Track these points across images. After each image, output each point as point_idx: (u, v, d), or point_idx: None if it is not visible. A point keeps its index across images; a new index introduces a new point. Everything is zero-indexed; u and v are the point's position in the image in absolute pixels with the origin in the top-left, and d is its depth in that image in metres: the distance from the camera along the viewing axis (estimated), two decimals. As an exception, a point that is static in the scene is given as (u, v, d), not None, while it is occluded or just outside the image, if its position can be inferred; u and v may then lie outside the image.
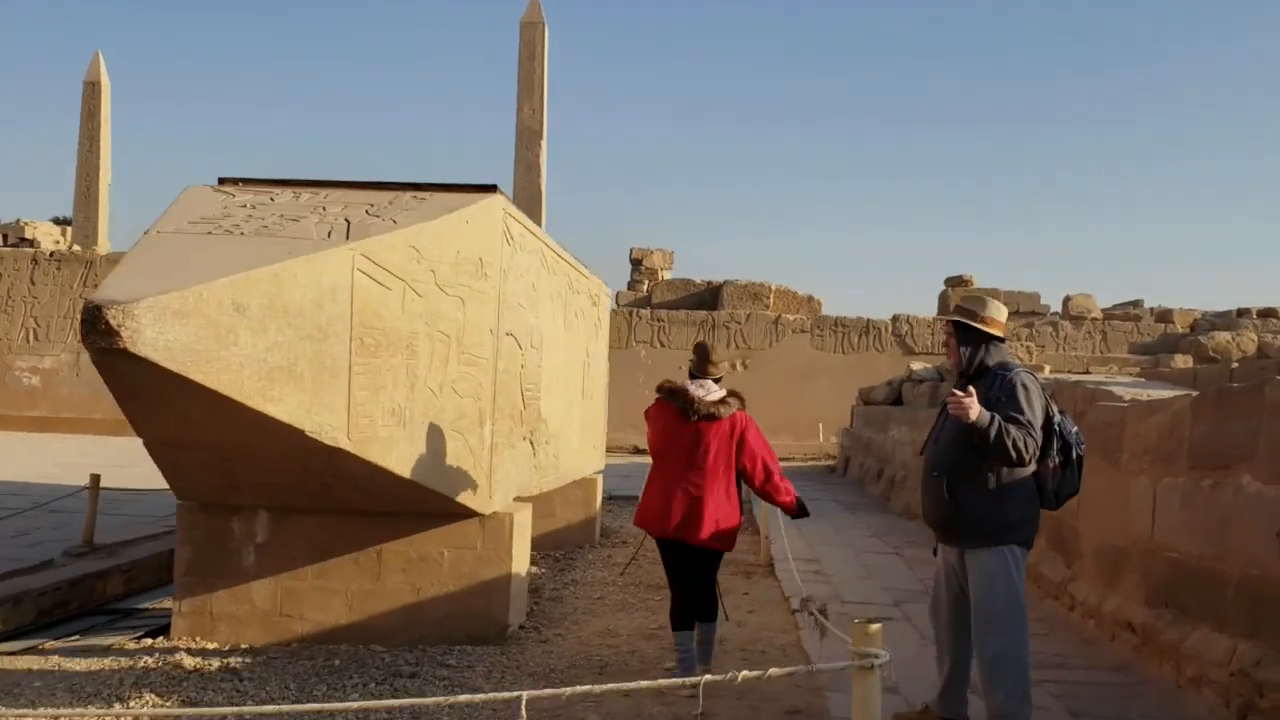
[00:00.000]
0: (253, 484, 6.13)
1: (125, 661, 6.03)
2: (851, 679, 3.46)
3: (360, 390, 5.27)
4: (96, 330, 4.08)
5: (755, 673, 3.29)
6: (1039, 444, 4.59)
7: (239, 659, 6.09)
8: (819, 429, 23.84)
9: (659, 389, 6.17)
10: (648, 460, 6.17)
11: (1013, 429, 4.53)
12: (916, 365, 16.26)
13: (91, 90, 30.73)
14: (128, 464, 12.93)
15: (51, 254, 26.14)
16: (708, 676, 3.37)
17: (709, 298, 26.94)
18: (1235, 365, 13.11)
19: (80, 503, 9.35)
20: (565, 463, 9.52)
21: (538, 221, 35.52)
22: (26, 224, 36.03)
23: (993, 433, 4.48)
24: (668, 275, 31.03)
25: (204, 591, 6.79)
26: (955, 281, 25.90)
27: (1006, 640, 4.62)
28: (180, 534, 6.84)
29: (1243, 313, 24.97)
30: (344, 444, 5.18)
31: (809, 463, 22.46)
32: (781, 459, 6.50)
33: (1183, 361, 15.90)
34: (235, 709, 4.46)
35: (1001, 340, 4.85)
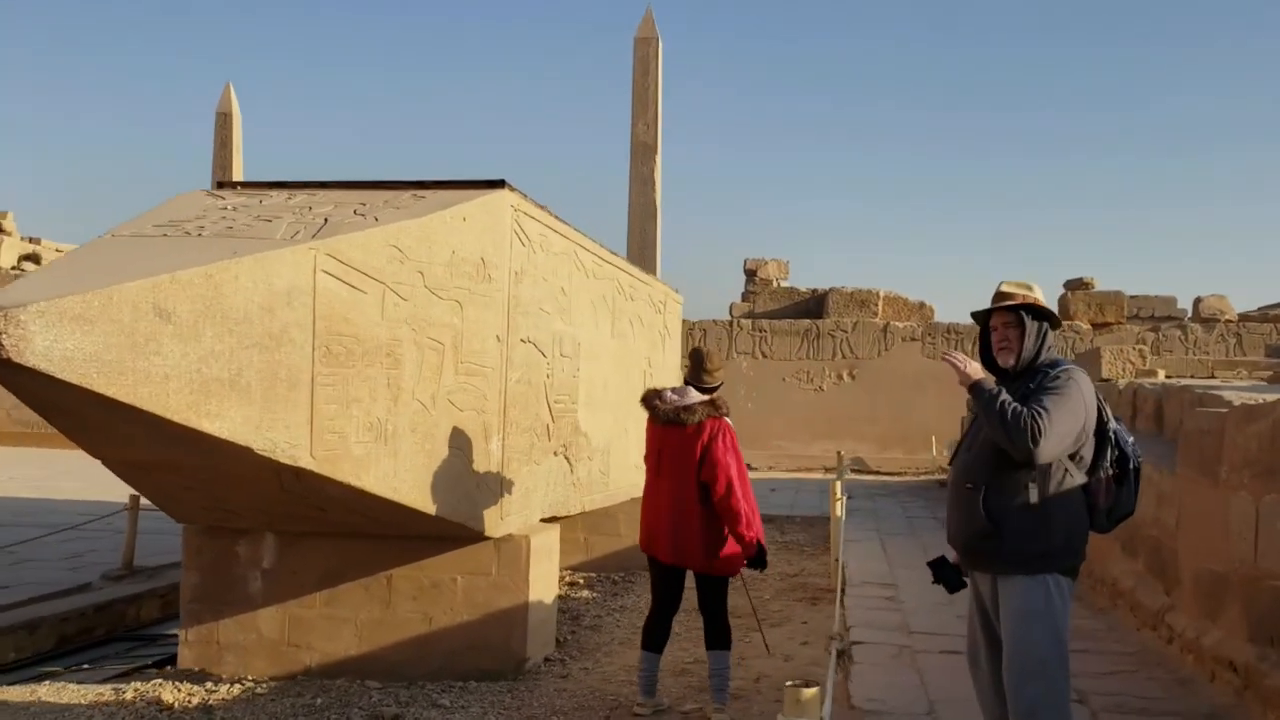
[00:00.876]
0: (244, 507, 5.72)
1: (110, 695, 5.67)
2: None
3: (326, 403, 4.79)
4: (-14, 340, 3.67)
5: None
6: (1046, 433, 3.81)
7: (221, 695, 5.68)
8: (931, 442, 22.74)
9: (643, 396, 5.73)
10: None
11: (1017, 405, 3.85)
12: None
13: (224, 120, 31.76)
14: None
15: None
16: None
17: (814, 306, 26.05)
18: (1380, 366, 11.81)
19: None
20: (620, 478, 8.94)
21: (651, 235, 35.47)
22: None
23: (990, 400, 3.86)
24: (784, 285, 30.28)
25: (210, 619, 6.43)
26: (1075, 284, 24.47)
27: (1043, 687, 3.85)
28: (185, 559, 6.49)
29: (1398, 311, 23.01)
30: (305, 462, 4.70)
31: (921, 477, 21.42)
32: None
33: (1325, 364, 14.48)
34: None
35: (1055, 326, 4.14)
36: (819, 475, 22.22)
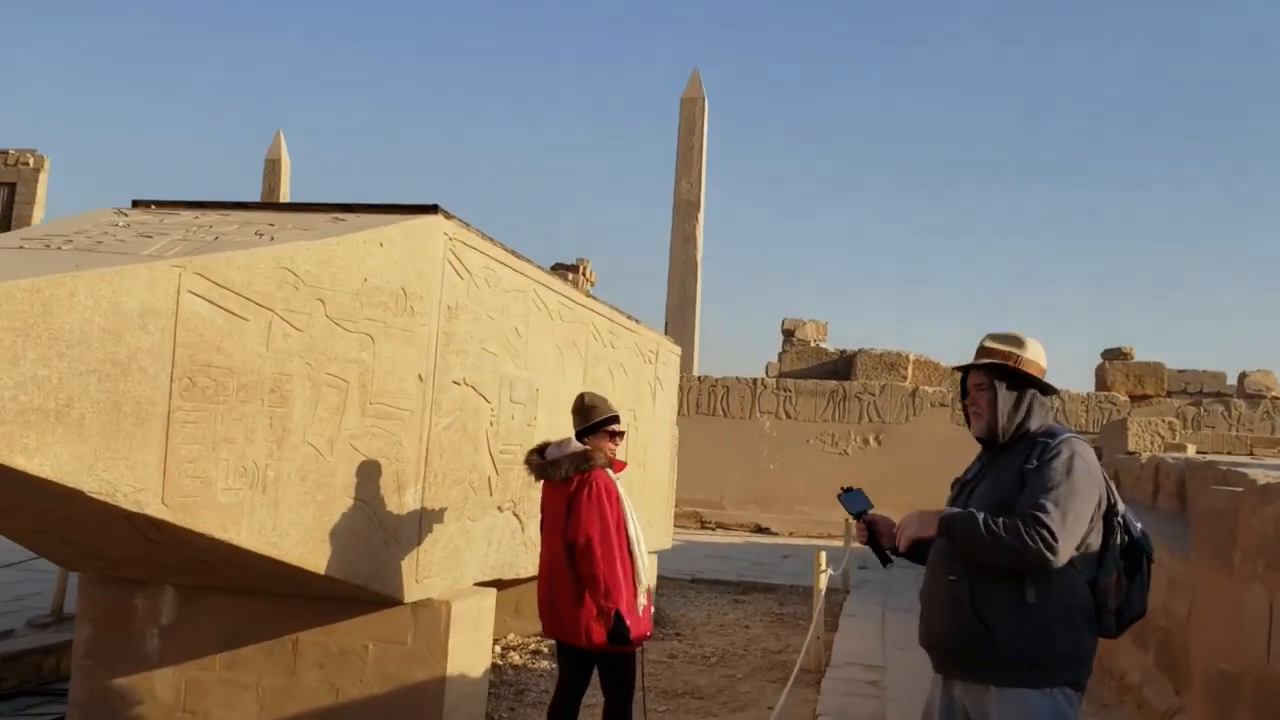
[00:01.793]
0: (121, 558, 5.12)
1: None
2: None
3: (186, 443, 4.18)
4: None
5: None
6: (1058, 535, 3.13)
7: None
8: (958, 511, 21.83)
9: None
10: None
11: (1006, 518, 3.17)
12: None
13: (272, 167, 32.10)
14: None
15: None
16: None
17: (841, 368, 25.31)
18: None
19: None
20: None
21: (691, 292, 35.08)
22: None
23: (973, 527, 3.19)
24: (814, 345, 29.61)
25: (104, 678, 5.82)
26: (1113, 354, 23.54)
27: None
28: (79, 611, 5.90)
29: None
30: (154, 510, 4.08)
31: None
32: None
33: (1376, 444, 13.54)
34: None
35: (1046, 392, 3.52)
36: (842, 542, 21.36)
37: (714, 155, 41.49)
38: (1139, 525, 3.44)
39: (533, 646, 8.85)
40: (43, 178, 32.16)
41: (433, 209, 5.53)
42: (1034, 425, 3.44)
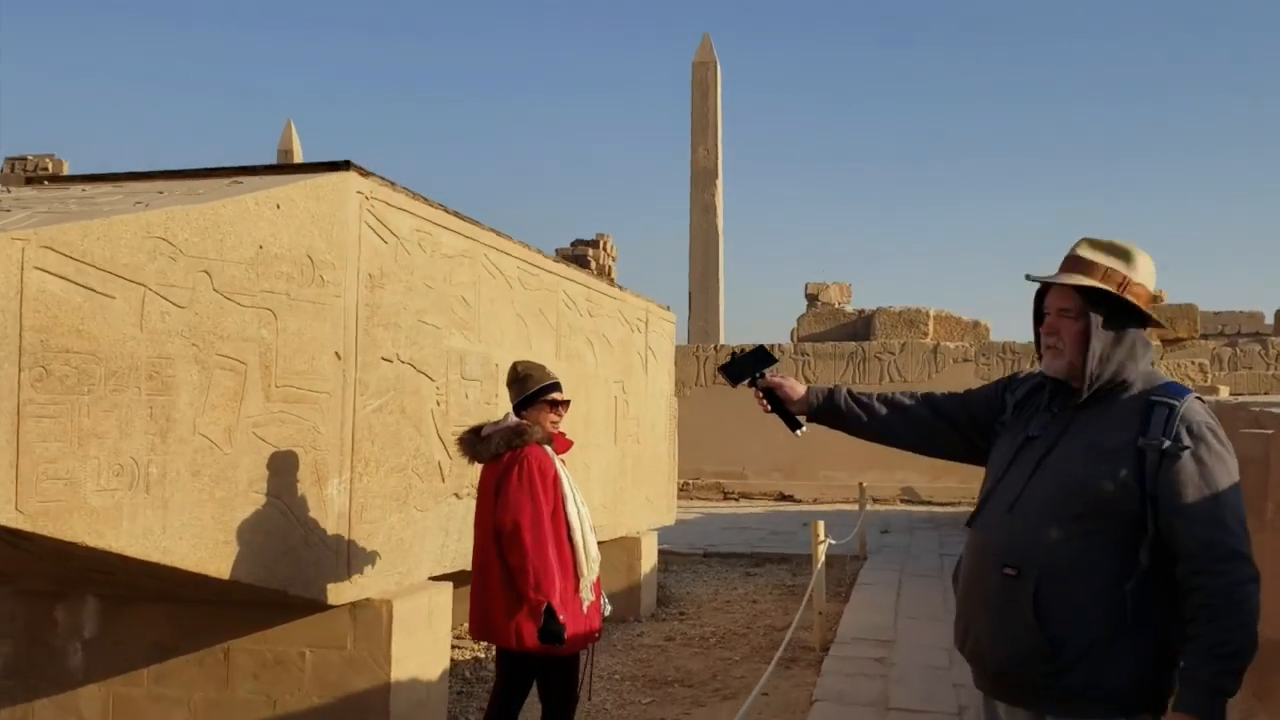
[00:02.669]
0: (13, 572, 4.63)
1: None
2: None
3: (43, 440, 3.65)
4: None
5: None
6: (1253, 568, 2.37)
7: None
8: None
9: None
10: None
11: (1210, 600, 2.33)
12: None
13: (284, 158, 31.91)
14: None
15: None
16: None
17: (861, 328, 24.64)
18: None
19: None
20: (569, 522, 7.71)
21: (714, 262, 34.42)
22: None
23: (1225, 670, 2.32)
24: (847, 309, 28.96)
25: (24, 698, 5.35)
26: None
27: None
28: (-3, 627, 5.42)
29: None
30: (10, 519, 3.56)
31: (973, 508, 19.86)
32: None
33: None
34: None
35: (1146, 325, 2.61)
36: (868, 507, 20.77)
37: (731, 121, 40.64)
38: None
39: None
40: (61, 182, 32.00)
41: (344, 165, 4.97)
42: (1133, 375, 2.56)
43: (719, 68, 35.29)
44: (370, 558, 5.13)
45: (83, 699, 5.30)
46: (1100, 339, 2.52)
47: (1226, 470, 2.41)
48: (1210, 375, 11.29)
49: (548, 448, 4.47)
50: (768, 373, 3.27)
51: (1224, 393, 10.29)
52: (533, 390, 4.57)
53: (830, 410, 3.16)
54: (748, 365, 3.31)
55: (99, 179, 5.12)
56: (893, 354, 22.61)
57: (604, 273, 31.26)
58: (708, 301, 34.30)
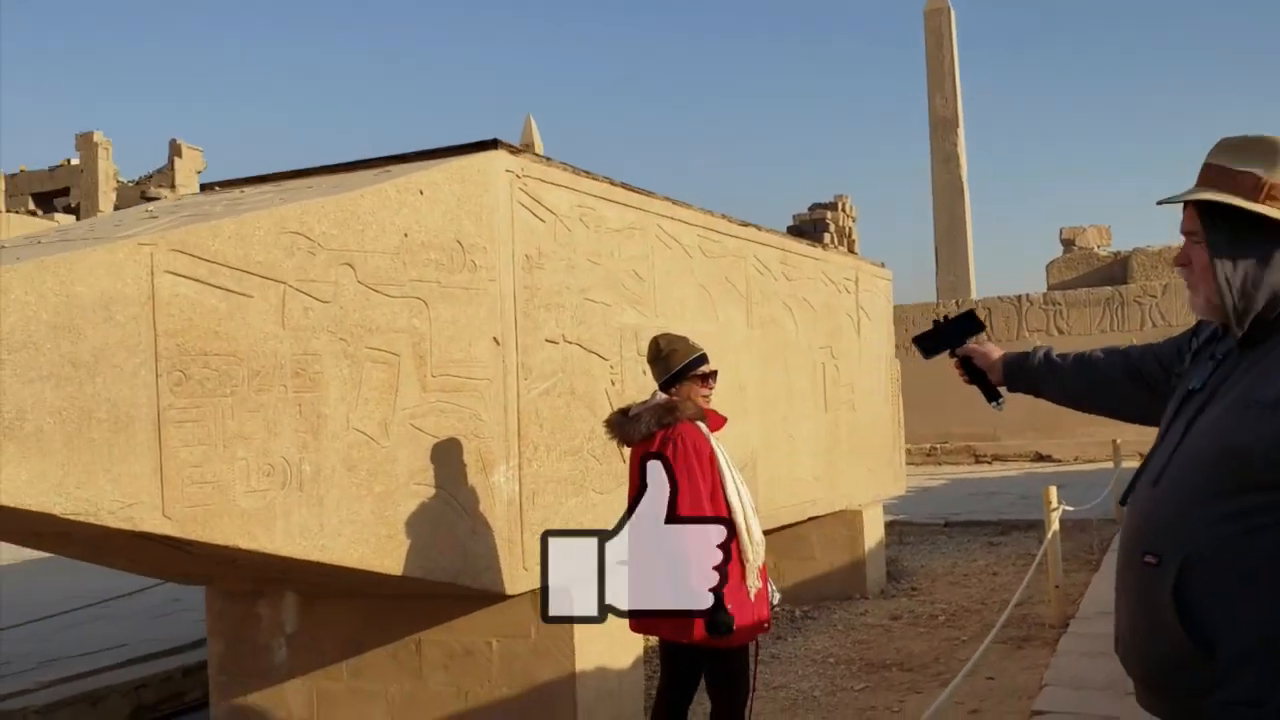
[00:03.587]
0: (196, 573, 4.73)
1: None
2: None
3: (187, 445, 3.65)
4: None
5: None
6: None
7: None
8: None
9: None
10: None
11: None
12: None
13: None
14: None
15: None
16: None
17: (1117, 271, 22.97)
18: None
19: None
20: (777, 497, 7.39)
21: (959, 214, 33.08)
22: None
23: None
24: (1101, 253, 27.24)
25: (239, 694, 5.52)
26: None
27: None
28: (209, 624, 5.62)
29: None
30: (154, 525, 3.58)
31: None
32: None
33: None
34: None
35: None
36: (1133, 464, 19.37)
37: (967, 67, 38.94)
38: None
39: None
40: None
41: (491, 145, 4.81)
42: None
43: (953, 13, 33.82)
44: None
45: (288, 693, 5.41)
46: (1231, 263, 1.96)
47: None
48: None
49: (701, 424, 4.15)
50: (971, 341, 2.88)
51: None
52: (679, 366, 4.25)
53: (1023, 374, 2.77)
54: (952, 333, 2.93)
55: (262, 180, 5.16)
56: (1153, 297, 20.94)
57: (844, 234, 30.41)
58: (955, 255, 32.99)
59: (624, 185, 5.75)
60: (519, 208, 4.92)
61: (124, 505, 3.50)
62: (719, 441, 4.21)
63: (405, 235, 4.36)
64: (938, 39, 35.39)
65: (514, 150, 4.91)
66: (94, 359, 3.43)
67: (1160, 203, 2.09)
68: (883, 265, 10.05)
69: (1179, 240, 2.14)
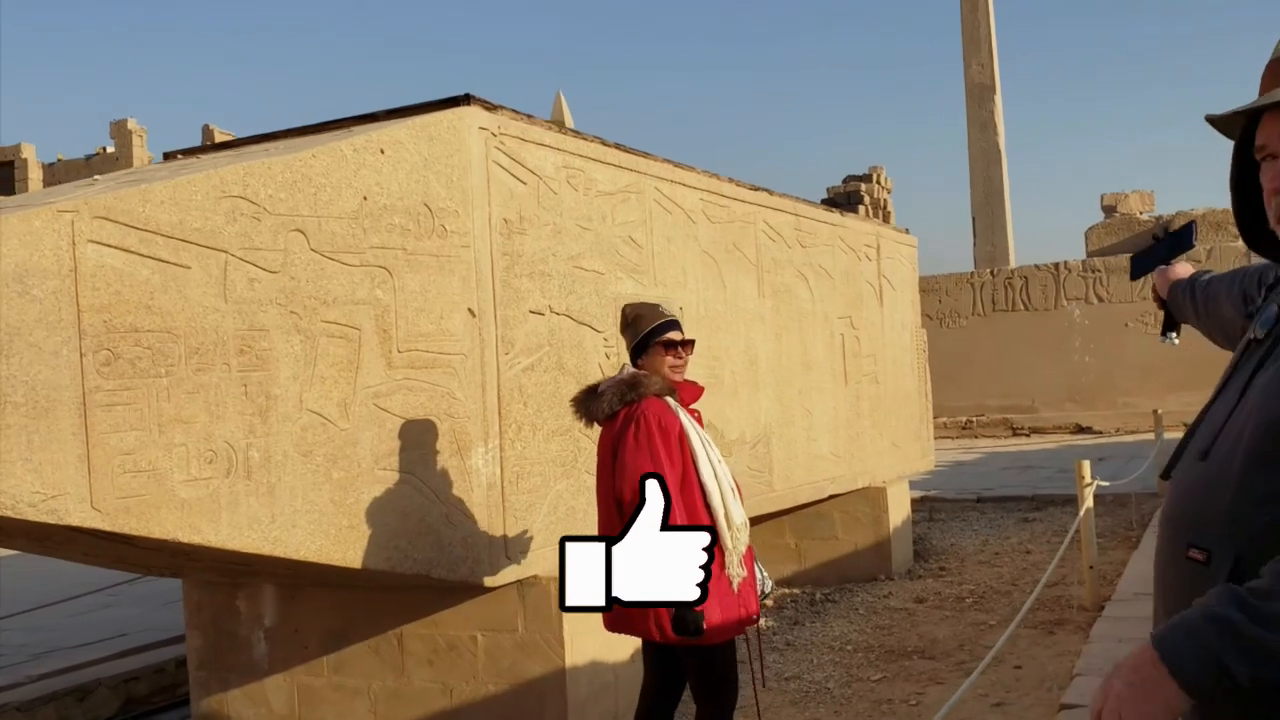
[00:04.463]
0: (157, 566, 4.43)
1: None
2: None
3: (117, 431, 3.33)
4: None
5: None
6: None
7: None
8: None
9: None
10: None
11: None
12: None
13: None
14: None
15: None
16: None
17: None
18: None
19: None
20: (792, 475, 7.02)
21: (996, 182, 32.39)
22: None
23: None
24: (1143, 218, 26.55)
25: (219, 690, 5.24)
26: None
27: None
28: (187, 617, 5.35)
29: None
30: (82, 519, 3.26)
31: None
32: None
33: None
34: None
35: None
36: (1175, 435, 18.83)
37: (1004, 33, 38.29)
38: None
39: (758, 600, 7.71)
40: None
41: (464, 100, 4.44)
42: None
43: (987, -24, 33.01)
44: (533, 531, 4.64)
45: (269, 689, 5.12)
46: None
47: None
48: None
49: (670, 399, 3.74)
50: (1176, 261, 2.51)
51: None
52: (644, 333, 3.85)
53: (1178, 307, 2.43)
54: (1164, 250, 2.56)
55: (224, 146, 4.84)
56: (1198, 261, 20.25)
57: (879, 206, 29.84)
58: (993, 223, 32.36)
59: (617, 145, 5.37)
60: (496, 168, 4.55)
61: (46, 497, 3.19)
62: (693, 416, 3.82)
63: (365, 198, 4.02)
64: (972, 4, 34.65)
65: (489, 107, 4.55)
66: (7, 338, 3.11)
67: (1218, 117, 1.66)
68: (906, 231, 9.62)
69: (1225, 204, 1.71)
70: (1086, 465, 6.67)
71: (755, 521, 7.58)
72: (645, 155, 5.59)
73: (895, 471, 8.70)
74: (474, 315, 4.40)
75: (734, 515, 3.71)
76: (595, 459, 4.80)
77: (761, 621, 6.89)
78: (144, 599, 8.57)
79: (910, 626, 6.53)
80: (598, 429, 3.89)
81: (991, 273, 22.16)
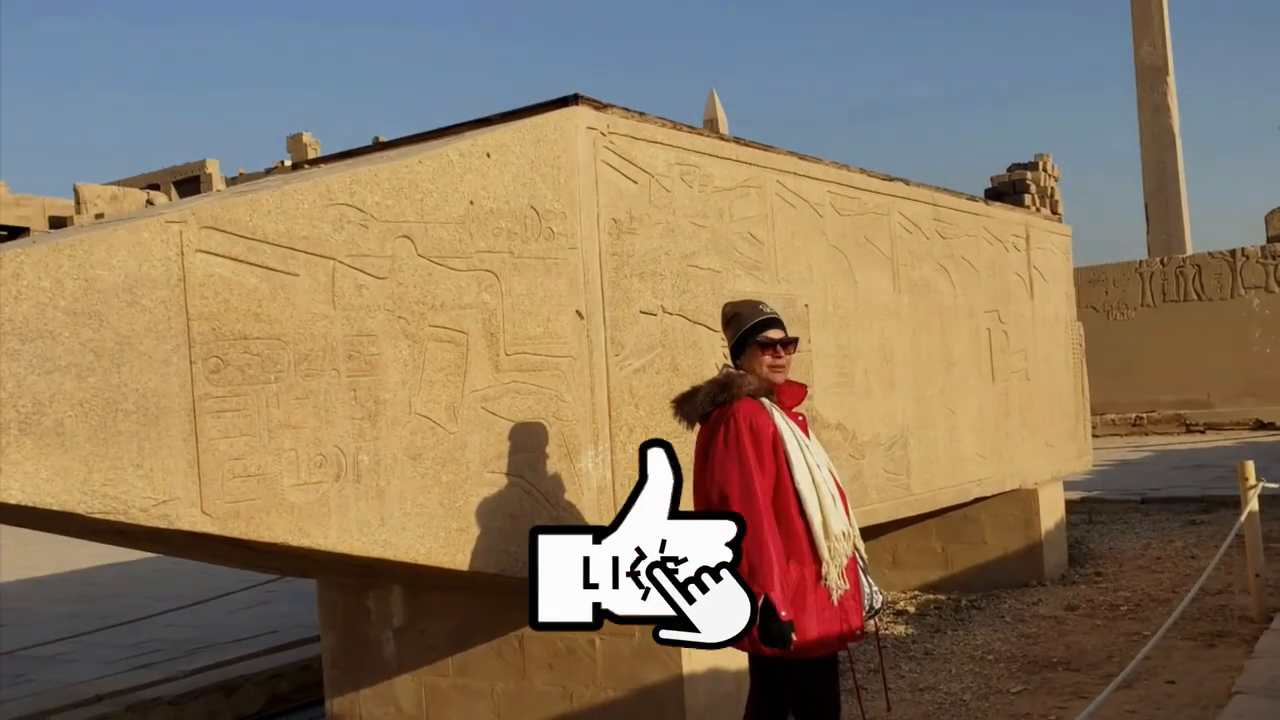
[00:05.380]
0: (278, 569, 4.53)
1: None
2: None
3: (227, 436, 3.41)
4: None
5: None
6: None
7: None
8: None
9: None
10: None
11: None
12: None
13: (709, 126, 32.37)
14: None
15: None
16: None
17: (1349, 217, 20.82)
18: None
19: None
20: (933, 478, 6.77)
21: (1171, 167, 30.98)
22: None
23: None
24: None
25: (350, 689, 5.35)
26: None
27: None
28: (321, 617, 5.48)
29: None
30: (191, 523, 3.34)
31: None
32: None
33: None
34: None
35: None
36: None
37: (1176, 10, 36.65)
38: None
39: (900, 604, 7.49)
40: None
41: (571, 100, 4.41)
42: None
43: (1162, -48, 31.57)
44: (647, 536, 4.56)
45: (399, 689, 5.20)
46: None
47: None
48: None
49: (766, 400, 3.59)
50: None
51: None
52: (741, 332, 3.72)
53: None
54: None
55: (343, 156, 4.93)
56: (1389, 246, 18.87)
57: (1045, 195, 28.77)
58: (1168, 211, 30.93)
59: (735, 140, 5.26)
60: (605, 168, 4.50)
61: (157, 502, 3.28)
62: (791, 419, 3.65)
63: (471, 203, 4.02)
64: (1143, -18, 33.25)
65: (598, 106, 4.50)
66: (119, 347, 3.21)
67: None
68: (1058, 219, 9.19)
69: None
70: (1250, 466, 6.22)
71: (894, 526, 7.39)
72: (765, 148, 5.46)
73: (1048, 472, 8.31)
74: (582, 317, 4.36)
75: (833, 524, 3.55)
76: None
77: (903, 629, 6.68)
78: (299, 596, 8.84)
79: (1058, 636, 6.21)
80: (699, 431, 3.79)
81: (1161, 261, 21.10)
